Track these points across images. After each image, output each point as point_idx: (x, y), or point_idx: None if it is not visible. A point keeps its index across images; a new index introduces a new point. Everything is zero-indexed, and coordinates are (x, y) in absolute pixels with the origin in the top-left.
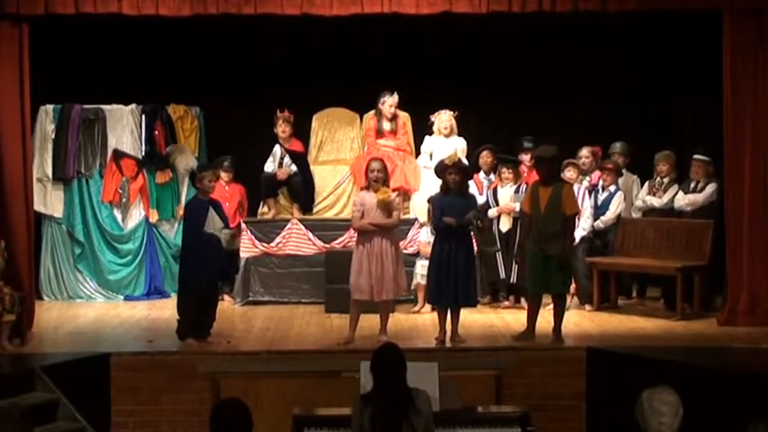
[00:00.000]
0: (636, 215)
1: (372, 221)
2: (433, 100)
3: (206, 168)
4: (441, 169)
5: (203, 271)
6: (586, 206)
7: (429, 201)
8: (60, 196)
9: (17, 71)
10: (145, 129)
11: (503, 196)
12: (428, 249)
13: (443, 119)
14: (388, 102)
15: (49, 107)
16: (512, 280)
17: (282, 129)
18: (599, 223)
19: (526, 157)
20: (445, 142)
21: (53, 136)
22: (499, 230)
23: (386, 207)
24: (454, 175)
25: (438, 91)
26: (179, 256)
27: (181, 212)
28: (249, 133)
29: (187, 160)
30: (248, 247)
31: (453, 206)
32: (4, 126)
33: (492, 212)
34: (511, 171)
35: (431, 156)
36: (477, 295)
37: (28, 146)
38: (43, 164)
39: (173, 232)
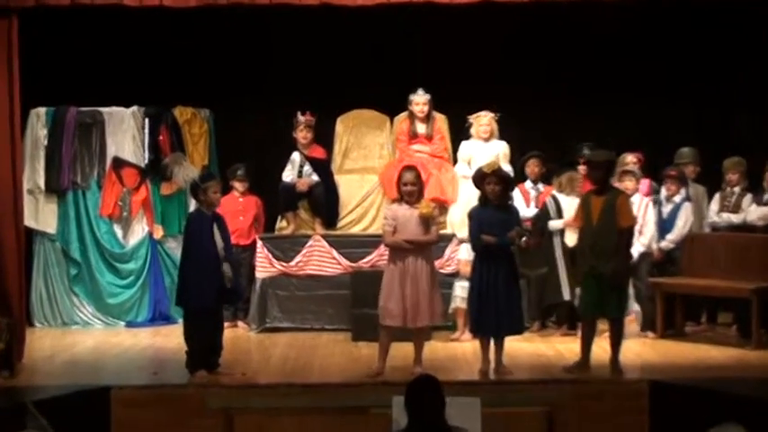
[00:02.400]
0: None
1: (408, 238)
2: (471, 100)
3: (209, 178)
4: (479, 178)
5: (203, 292)
6: (649, 218)
7: (468, 215)
8: (54, 210)
9: (5, 70)
10: (148, 134)
11: (568, 207)
12: (468, 269)
13: (483, 121)
14: (416, 100)
15: (41, 110)
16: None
17: (303, 134)
18: (667, 243)
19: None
20: (485, 147)
21: (45, 142)
22: (564, 245)
23: (426, 222)
24: (493, 184)
25: (477, 90)
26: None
27: None
28: (265, 139)
29: (186, 170)
30: (265, 266)
31: (493, 221)
32: None
33: (555, 224)
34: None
35: (469, 163)
36: (525, 321)
37: (17, 153)
38: (34, 174)
39: (179, 250)
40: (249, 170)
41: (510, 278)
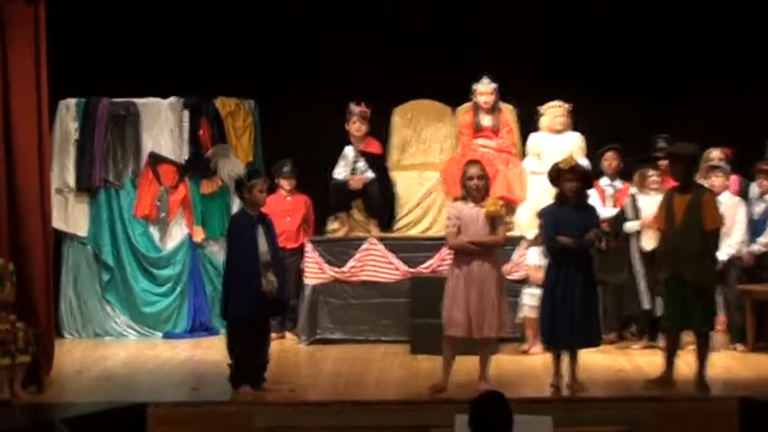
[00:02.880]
0: None
1: (473, 239)
2: (540, 89)
3: (255, 175)
4: (555, 174)
5: (247, 301)
6: (739, 219)
7: (539, 214)
8: (85, 210)
9: (32, 58)
10: (188, 127)
11: (646, 205)
12: (539, 274)
13: (556, 112)
14: (481, 90)
15: (71, 101)
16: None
17: (357, 126)
18: (758, 246)
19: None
20: (557, 140)
21: (76, 136)
22: (641, 249)
23: (493, 221)
24: (571, 181)
25: (546, 78)
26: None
27: None
28: (315, 132)
29: (232, 165)
30: (315, 272)
31: (570, 221)
32: (17, 125)
33: (632, 226)
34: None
35: (539, 157)
36: (602, 332)
37: (45, 149)
38: (64, 171)
39: (222, 255)
40: (297, 166)
41: (587, 284)
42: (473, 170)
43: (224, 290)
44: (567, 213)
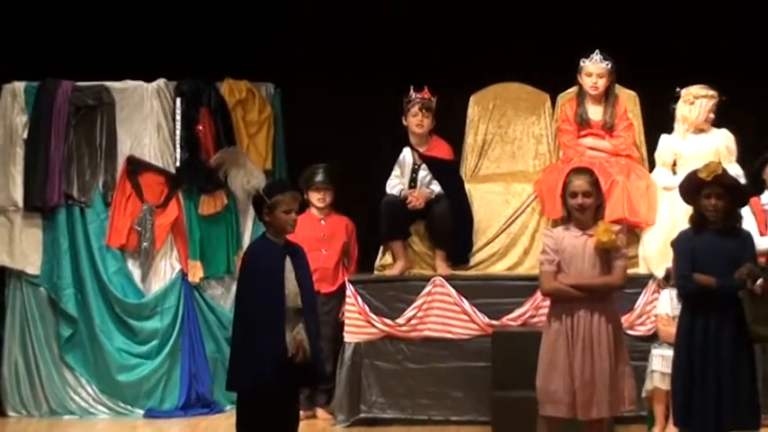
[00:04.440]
0: None
1: (577, 281)
2: (672, 69)
3: (280, 188)
4: (691, 188)
5: (266, 366)
6: None
7: (673, 244)
8: (37, 238)
9: None
10: (181, 121)
11: None
12: (672, 329)
13: (704, 105)
14: (589, 70)
15: (19, 86)
16: None
17: (418, 120)
18: None
19: None
20: (698, 142)
21: (25, 135)
22: None
23: (607, 255)
24: (715, 197)
25: (682, 58)
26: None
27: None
28: (358, 129)
29: (247, 174)
30: (359, 325)
31: (712, 253)
32: None
33: None
34: None
35: (673, 166)
36: (760, 411)
37: None
38: (9, 183)
39: (228, 300)
40: (334, 176)
41: (737, 342)
42: (579, 182)
43: (233, 351)
44: (709, 242)
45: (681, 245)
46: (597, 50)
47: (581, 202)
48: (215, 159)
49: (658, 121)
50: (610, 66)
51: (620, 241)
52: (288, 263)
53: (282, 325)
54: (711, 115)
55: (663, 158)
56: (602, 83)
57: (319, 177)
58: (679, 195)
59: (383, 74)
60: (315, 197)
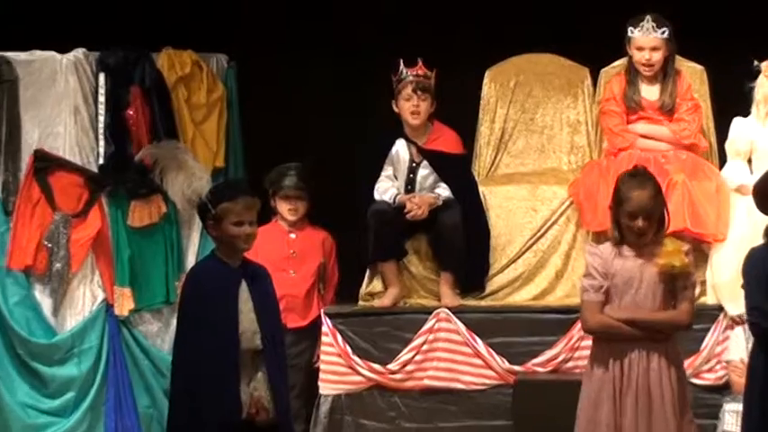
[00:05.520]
0: None
1: (634, 315)
2: (749, 37)
3: (230, 193)
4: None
5: (213, 425)
6: None
7: (746, 268)
8: None
9: None
10: (106, 104)
11: None
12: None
13: None
14: (638, 41)
15: None
16: None
17: (412, 105)
18: None
19: None
20: None
21: None
22: None
23: (672, 282)
24: None
25: (760, 20)
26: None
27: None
28: (339, 114)
29: (188, 175)
30: (337, 372)
31: None
32: None
33: None
34: None
35: (749, 161)
36: None
37: None
38: None
39: (167, 339)
40: (309, 178)
41: None
42: (639, 198)
43: (171, 409)
44: None
45: (753, 267)
46: (649, 16)
47: (642, 225)
48: (146, 155)
49: (732, 102)
50: (667, 34)
51: (690, 264)
52: (244, 290)
53: (235, 375)
54: None
55: (736, 148)
56: (657, 57)
57: (290, 181)
58: (753, 198)
59: (371, 42)
60: (285, 206)
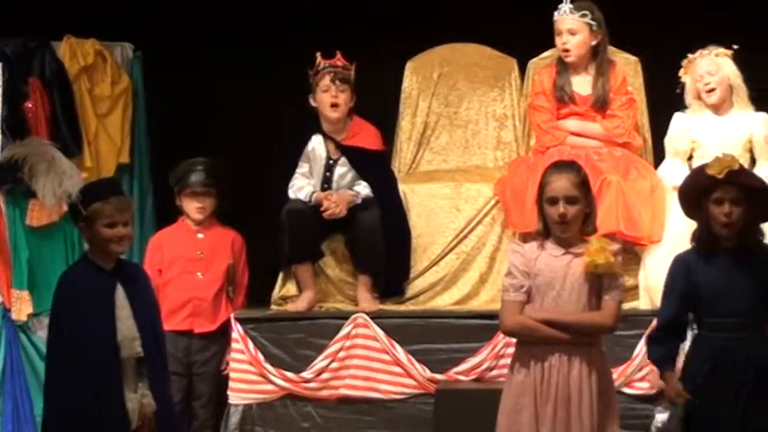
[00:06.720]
0: None
1: (554, 316)
2: (688, 25)
3: (101, 193)
4: (695, 188)
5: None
6: None
7: (672, 271)
8: None
9: None
10: (2, 96)
11: None
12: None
13: (705, 65)
14: (556, 24)
15: None
16: None
17: (331, 96)
18: None
19: None
20: (718, 124)
21: None
22: None
23: (599, 283)
24: (729, 204)
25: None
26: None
27: None
28: (250, 107)
29: (58, 174)
30: (248, 380)
31: (723, 282)
32: None
33: None
34: None
35: (690, 157)
36: None
37: None
38: None
39: None
40: (217, 174)
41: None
42: (560, 183)
43: (45, 415)
44: (720, 268)
45: (678, 272)
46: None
47: (563, 211)
48: (12, 153)
49: (668, 94)
50: (589, 18)
51: (617, 264)
52: (120, 295)
53: (116, 387)
54: (717, 86)
55: (675, 147)
56: (574, 41)
57: (197, 177)
58: (678, 199)
59: (288, 32)
60: (191, 204)
